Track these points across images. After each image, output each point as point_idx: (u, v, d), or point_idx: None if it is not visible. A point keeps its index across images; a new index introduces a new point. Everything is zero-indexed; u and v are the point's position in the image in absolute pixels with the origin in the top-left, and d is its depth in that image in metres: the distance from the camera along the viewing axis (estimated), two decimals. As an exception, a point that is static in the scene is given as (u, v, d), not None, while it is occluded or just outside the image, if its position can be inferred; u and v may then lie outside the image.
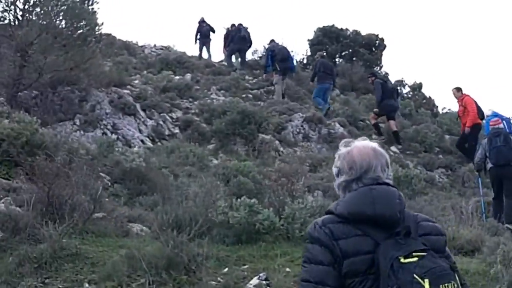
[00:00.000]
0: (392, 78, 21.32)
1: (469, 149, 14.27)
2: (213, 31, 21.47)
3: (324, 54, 18.78)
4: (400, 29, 48.06)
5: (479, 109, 14.31)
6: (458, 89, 14.73)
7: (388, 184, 2.50)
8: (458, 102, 14.69)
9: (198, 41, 21.39)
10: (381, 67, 22.95)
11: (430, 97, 20.74)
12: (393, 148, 14.51)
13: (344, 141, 2.64)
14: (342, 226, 2.41)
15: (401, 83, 21.52)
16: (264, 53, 20.31)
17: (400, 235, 2.36)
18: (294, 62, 19.12)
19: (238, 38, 19.60)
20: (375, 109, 15.55)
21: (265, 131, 13.22)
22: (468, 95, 14.55)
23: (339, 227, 2.41)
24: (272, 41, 18.48)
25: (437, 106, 20.19)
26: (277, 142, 13.25)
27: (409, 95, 20.85)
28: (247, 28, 20.02)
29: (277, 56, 17.24)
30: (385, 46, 22.96)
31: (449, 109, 20.13)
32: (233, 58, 20.30)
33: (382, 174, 2.51)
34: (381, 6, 48.43)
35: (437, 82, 42.92)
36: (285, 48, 17.90)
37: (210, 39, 21.54)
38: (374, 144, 2.61)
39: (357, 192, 2.47)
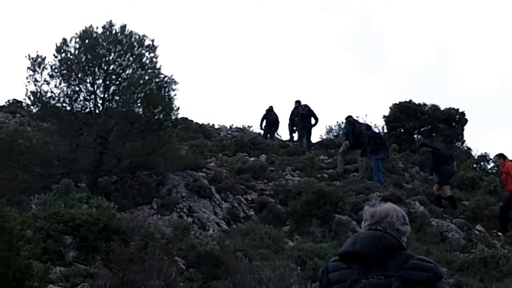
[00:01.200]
0: (475, 154, 20.72)
1: (506, 211, 13.95)
2: (278, 122, 21.97)
3: (369, 125, 18.39)
4: (483, 103, 47.04)
5: None
6: (500, 156, 14.51)
7: (381, 231, 3.21)
8: (501, 169, 14.36)
9: (264, 128, 21.81)
10: (462, 143, 22.29)
11: (516, 172, 19.79)
12: (478, 227, 13.85)
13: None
14: (337, 263, 3.25)
15: (484, 158, 20.79)
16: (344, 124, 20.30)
17: (375, 266, 3.09)
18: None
19: (299, 117, 20.17)
20: (430, 177, 15.46)
21: (341, 212, 12.94)
22: (510, 161, 14.14)
23: (334, 264, 3.26)
24: (350, 116, 18.43)
25: (524, 182, 19.18)
26: (354, 222, 12.89)
27: (494, 171, 20.00)
28: (300, 105, 20.58)
29: (355, 129, 17.42)
30: (466, 121, 22.27)
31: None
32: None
33: (397, 222, 3.26)
34: (462, 79, 47.71)
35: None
36: (364, 124, 17.99)
37: (276, 128, 21.96)
38: (395, 206, 3.42)
39: (350, 237, 3.34)
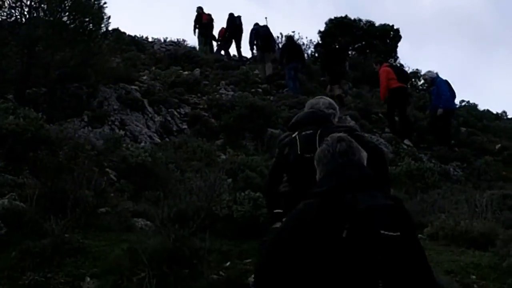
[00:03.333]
0: (408, 70, 21.08)
1: (389, 112, 14.69)
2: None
3: (290, 36, 18.87)
4: (417, 19, 47.40)
5: (400, 74, 14.41)
6: (376, 63, 15.22)
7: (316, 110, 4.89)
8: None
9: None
10: (396, 59, 22.58)
11: (446, 89, 20.19)
12: (406, 141, 14.26)
13: None
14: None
15: (416, 74, 21.20)
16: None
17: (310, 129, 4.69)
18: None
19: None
20: (322, 78, 16.90)
21: (274, 126, 13.07)
22: (385, 66, 14.65)
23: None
24: (256, 24, 19.04)
25: (454, 98, 19.70)
26: (286, 136, 13.07)
27: (424, 87, 20.47)
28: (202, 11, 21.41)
29: (259, 33, 18.35)
30: (400, 37, 22.53)
31: (467, 102, 19.82)
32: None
33: (322, 106, 4.98)
34: None
35: (455, 73, 42.09)
36: (266, 27, 18.74)
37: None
38: (326, 98, 5.12)
39: None
